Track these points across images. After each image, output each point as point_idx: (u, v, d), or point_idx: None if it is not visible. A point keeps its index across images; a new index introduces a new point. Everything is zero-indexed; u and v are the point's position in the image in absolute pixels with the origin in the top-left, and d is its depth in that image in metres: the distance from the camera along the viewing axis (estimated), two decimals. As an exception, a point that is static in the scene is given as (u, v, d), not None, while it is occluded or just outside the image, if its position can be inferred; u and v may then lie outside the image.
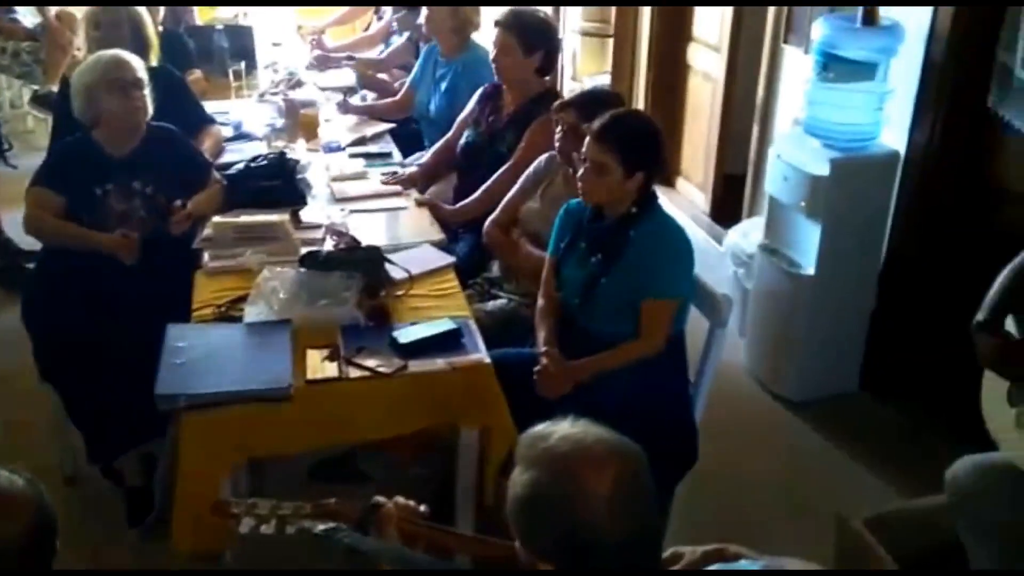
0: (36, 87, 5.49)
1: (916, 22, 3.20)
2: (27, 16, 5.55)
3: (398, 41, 4.73)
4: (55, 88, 4.59)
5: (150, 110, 2.99)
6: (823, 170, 3.24)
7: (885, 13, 3.22)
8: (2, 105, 5.89)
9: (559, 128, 2.84)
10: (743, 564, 1.39)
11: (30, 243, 3.46)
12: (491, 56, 3.40)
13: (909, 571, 2.13)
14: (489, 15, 3.99)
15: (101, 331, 2.70)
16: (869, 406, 3.56)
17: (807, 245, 3.42)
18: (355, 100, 4.30)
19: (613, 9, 5.38)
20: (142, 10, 3.60)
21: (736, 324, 3.85)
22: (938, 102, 3.19)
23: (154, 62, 3.47)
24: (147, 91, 2.97)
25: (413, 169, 3.57)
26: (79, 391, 2.76)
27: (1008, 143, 3.05)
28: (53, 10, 5.41)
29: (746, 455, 3.30)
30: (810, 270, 3.40)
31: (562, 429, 1.31)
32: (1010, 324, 2.14)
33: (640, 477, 1.27)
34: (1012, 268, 2.15)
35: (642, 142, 2.47)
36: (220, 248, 2.84)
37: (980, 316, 2.14)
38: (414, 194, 3.38)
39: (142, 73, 2.98)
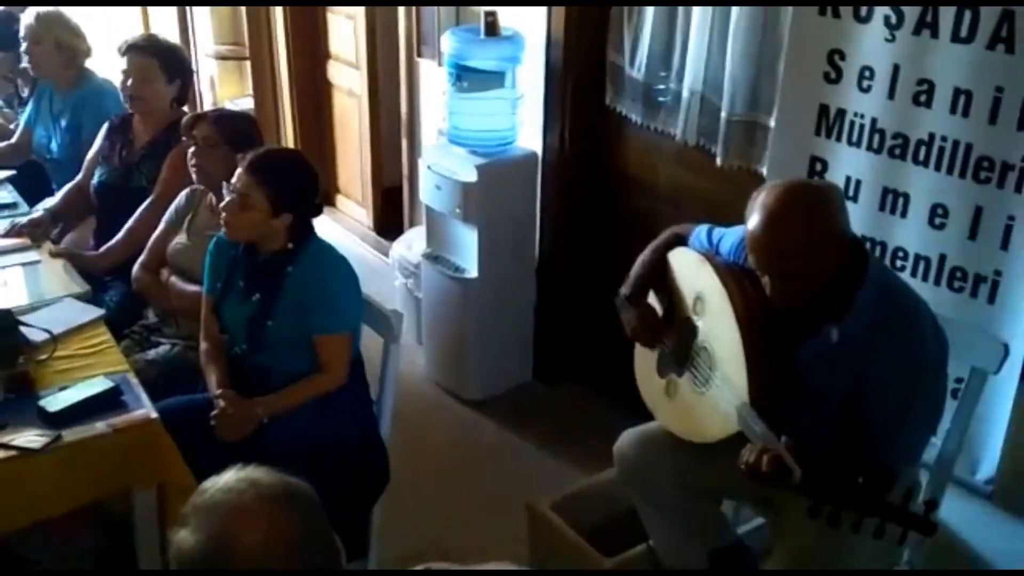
0: None
1: (535, 30, 3.42)
2: None
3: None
4: None
5: None
6: (471, 176, 3.37)
7: (506, 23, 3.41)
8: None
9: (193, 146, 2.72)
10: (442, 579, 1.41)
11: None
12: (127, 83, 3.18)
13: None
14: (100, 41, 3.75)
15: None
16: (544, 393, 3.76)
17: (467, 249, 3.54)
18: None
19: (245, 30, 5.24)
20: None
21: (413, 333, 3.91)
22: (563, 103, 3.43)
23: None
24: None
25: (39, 214, 3.25)
26: None
27: (627, 135, 3.35)
28: None
29: (440, 462, 3.36)
30: (473, 273, 3.53)
31: (222, 480, 1.25)
32: (653, 299, 2.34)
33: (302, 519, 1.24)
34: (652, 248, 2.33)
35: (294, 182, 2.41)
36: None
37: (624, 290, 2.31)
38: (48, 244, 3.08)
39: None
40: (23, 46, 3.57)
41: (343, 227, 4.99)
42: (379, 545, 2.60)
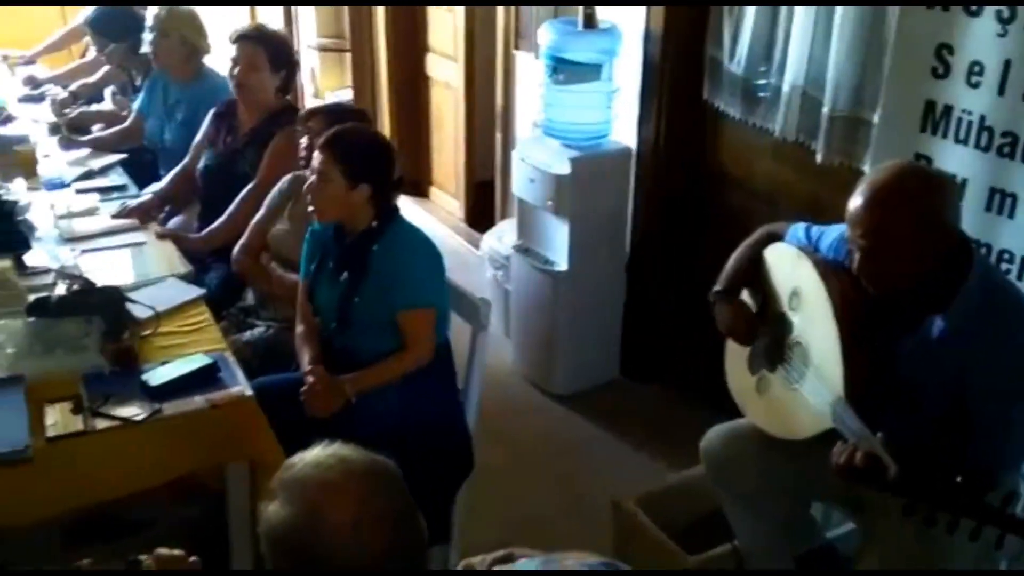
0: None
1: (632, 23, 3.40)
2: None
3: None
4: None
5: None
6: (564, 169, 3.36)
7: (604, 16, 3.39)
8: None
9: (305, 139, 2.79)
10: (522, 562, 1.41)
11: None
12: (234, 71, 3.27)
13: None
14: (220, 39, 3.85)
15: None
16: (631, 390, 3.73)
17: (558, 242, 3.54)
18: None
19: (347, 23, 5.34)
20: None
21: (501, 325, 3.93)
22: (659, 97, 3.40)
23: None
24: None
25: (147, 198, 3.37)
26: None
27: (724, 131, 3.30)
28: None
29: (523, 454, 3.37)
30: (563, 266, 3.53)
31: (310, 455, 1.28)
32: (747, 297, 2.30)
33: (390, 497, 1.25)
34: (746, 245, 2.30)
35: (365, 153, 2.46)
36: (-70, 307, 2.56)
37: (717, 286, 2.28)
38: (154, 226, 3.19)
39: None
40: (149, 35, 3.69)
41: (436, 219, 5.04)
42: (461, 532, 2.62)
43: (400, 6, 5.01)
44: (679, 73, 3.35)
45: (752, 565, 2.28)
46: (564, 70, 3.35)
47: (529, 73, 4.02)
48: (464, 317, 2.61)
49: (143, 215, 3.24)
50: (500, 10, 4.16)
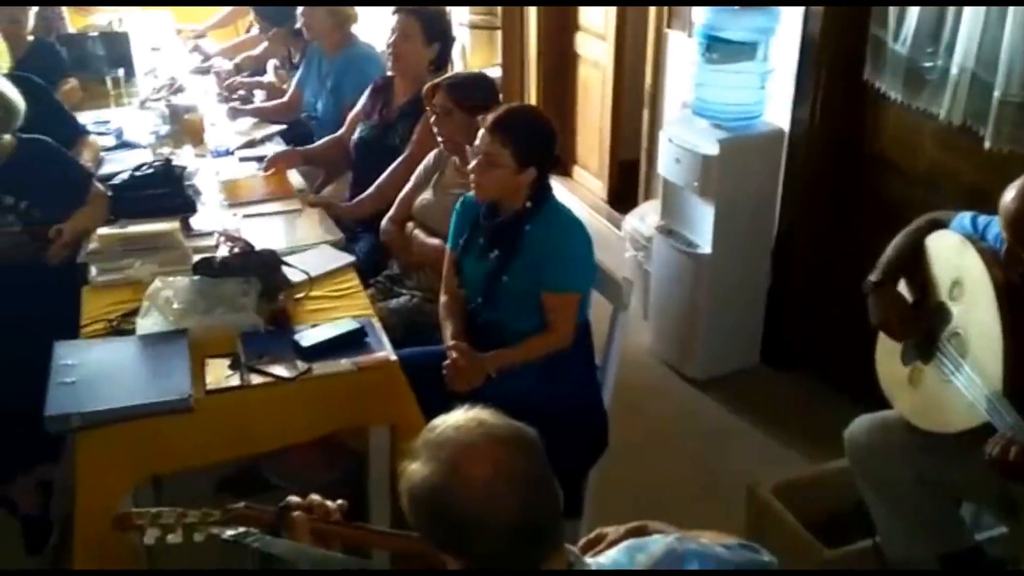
0: None
1: (791, 6, 3.29)
2: None
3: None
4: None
5: None
6: (712, 150, 3.30)
7: (763, -7, 3.31)
8: None
9: (433, 114, 2.83)
10: (656, 537, 1.41)
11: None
12: (390, 41, 3.35)
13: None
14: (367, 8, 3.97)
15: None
16: (771, 378, 3.65)
17: (702, 225, 3.48)
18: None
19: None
20: None
21: (639, 307, 3.91)
22: (817, 78, 3.29)
23: (3, 67, 3.31)
24: None
25: (289, 149, 3.56)
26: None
27: (884, 114, 3.16)
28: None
29: (657, 435, 3.35)
30: (706, 249, 3.47)
31: (452, 418, 1.31)
32: (903, 287, 2.22)
33: (528, 463, 1.27)
34: (907, 233, 2.22)
35: (536, 136, 2.46)
36: (107, 261, 2.74)
37: (873, 277, 2.20)
38: (308, 195, 3.32)
39: None
40: (300, 7, 3.82)
41: (577, 197, 5.04)
42: (592, 509, 2.63)
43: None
44: (839, 53, 3.23)
45: (893, 563, 2.20)
46: (718, 49, 3.28)
47: (680, 52, 3.96)
48: (606, 296, 2.61)
49: (281, 164, 3.41)
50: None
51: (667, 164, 3.55)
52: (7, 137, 2.88)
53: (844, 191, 3.38)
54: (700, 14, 3.33)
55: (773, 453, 3.22)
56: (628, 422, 2.97)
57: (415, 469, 1.28)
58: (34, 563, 2.67)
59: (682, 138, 3.44)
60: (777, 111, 3.43)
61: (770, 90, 3.39)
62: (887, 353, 2.26)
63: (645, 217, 3.97)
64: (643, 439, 3.26)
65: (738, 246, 3.48)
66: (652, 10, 4.15)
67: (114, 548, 2.03)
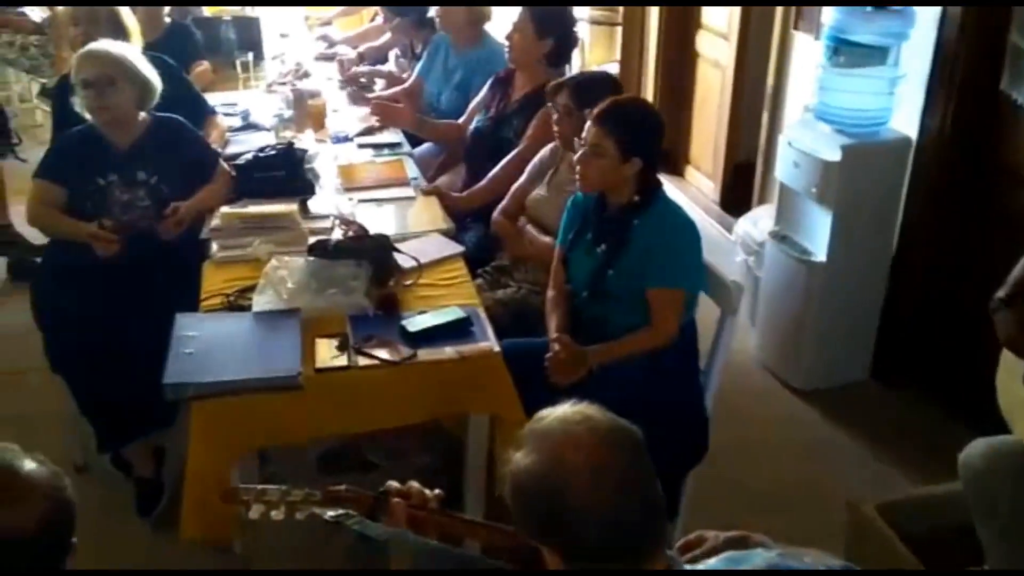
0: (44, 81, 5.48)
1: (927, 6, 3.17)
2: (34, 10, 5.55)
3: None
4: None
5: (127, 104, 2.93)
6: (834, 156, 3.21)
7: (896, -4, 3.20)
8: (11, 99, 5.89)
9: (555, 113, 2.83)
10: (759, 552, 1.38)
11: (38, 237, 3.46)
12: (507, 34, 3.38)
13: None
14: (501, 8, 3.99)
15: (109, 322, 2.71)
16: (881, 394, 3.54)
17: (818, 232, 3.40)
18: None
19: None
20: None
21: (747, 312, 3.84)
22: (950, 86, 3.16)
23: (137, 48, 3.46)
24: (123, 85, 2.90)
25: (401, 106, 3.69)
26: (88, 382, 2.77)
27: (1020, 125, 3.02)
28: None
29: (757, 443, 3.29)
30: (821, 257, 3.38)
31: (558, 411, 1.31)
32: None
33: (631, 460, 1.26)
34: None
35: (640, 127, 2.46)
36: (228, 238, 2.84)
37: (1001, 293, 2.11)
38: (421, 183, 3.37)
39: (113, 69, 2.89)
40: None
41: (688, 198, 4.98)
42: (689, 512, 2.60)
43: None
44: (975, 61, 3.10)
45: (1002, 596, 2.11)
46: (846, 52, 3.18)
47: (805, 54, 3.86)
48: (714, 300, 2.57)
49: (390, 113, 3.64)
50: (782, -12, 4.02)
51: (785, 168, 3.47)
52: (143, 115, 3.02)
53: (972, 204, 3.24)
54: (829, 15, 3.24)
55: (875, 471, 3.13)
56: (729, 427, 2.92)
57: (519, 458, 1.29)
58: (142, 525, 2.79)
59: (802, 142, 3.36)
60: (905, 119, 3.31)
61: (899, 96, 3.27)
62: (1009, 374, 2.16)
63: (758, 221, 3.89)
64: (743, 445, 3.20)
65: (855, 256, 3.38)
66: (778, 11, 4.05)
67: (218, 515, 2.11)
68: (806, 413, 3.47)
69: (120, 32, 3.42)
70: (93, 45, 3.00)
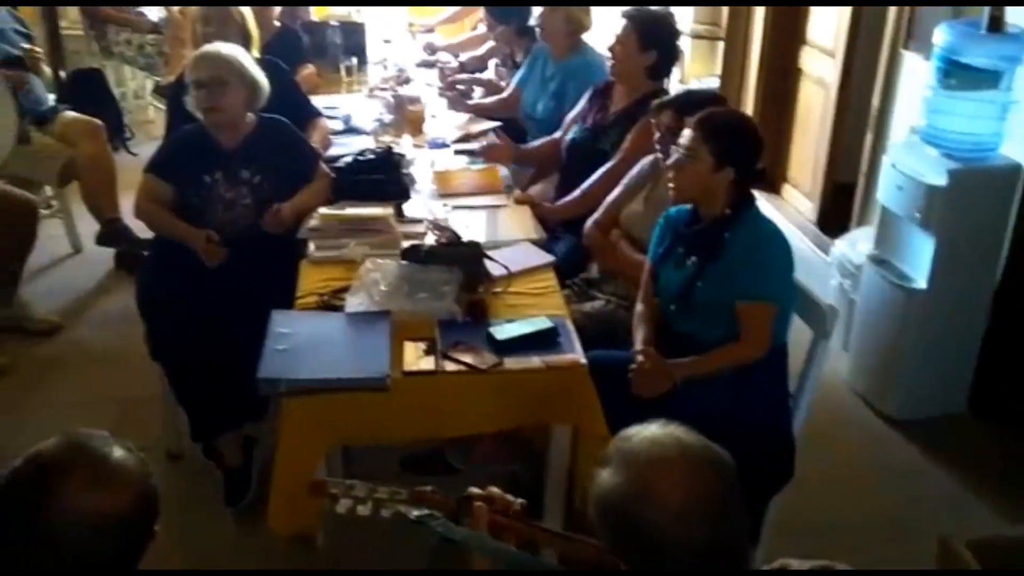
0: (158, 79, 5.69)
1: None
2: (152, 10, 5.77)
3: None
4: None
5: (237, 105, 3.02)
6: (940, 180, 3.12)
7: (1012, 20, 3.09)
8: (126, 95, 6.13)
9: (657, 131, 2.82)
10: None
11: (145, 230, 3.59)
12: (610, 45, 3.38)
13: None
14: (600, 17, 3.99)
15: (208, 316, 2.80)
16: (977, 428, 3.42)
17: (919, 258, 3.30)
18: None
19: (725, 10, 5.30)
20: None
21: (840, 337, 3.75)
22: (1067, 113, 3.05)
23: (255, 54, 3.57)
24: (235, 87, 2.99)
25: (501, 142, 3.71)
26: (185, 372, 2.86)
27: None
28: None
29: (845, 470, 3.21)
30: (921, 284, 3.29)
31: (648, 431, 1.30)
32: None
33: (722, 486, 1.24)
34: None
35: (736, 136, 2.44)
36: (325, 239, 2.91)
37: None
38: (515, 192, 3.39)
39: (226, 71, 2.98)
40: (537, 10, 3.90)
41: (784, 217, 4.87)
42: (771, 539, 2.55)
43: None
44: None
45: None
46: (957, 75, 3.09)
47: (914, 75, 3.75)
48: (807, 322, 2.53)
49: (495, 155, 3.59)
50: (892, 8, 3.92)
51: (887, 191, 3.38)
52: (250, 115, 3.11)
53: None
54: (940, 36, 3.15)
55: (969, 507, 3.02)
56: (816, 453, 2.86)
57: (605, 476, 1.28)
58: (230, 514, 2.87)
59: (907, 165, 3.27)
60: (1016, 145, 3.20)
61: (1011, 122, 3.16)
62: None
63: (856, 244, 3.80)
64: (830, 472, 3.12)
65: (957, 284, 3.27)
66: (888, 29, 3.95)
67: (304, 508, 2.16)
68: (898, 443, 3.37)
69: (246, 37, 3.55)
70: (207, 47, 3.11)
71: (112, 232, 4.37)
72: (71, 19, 6.02)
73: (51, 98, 4.51)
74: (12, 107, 3.80)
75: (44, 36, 5.46)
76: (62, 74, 5.50)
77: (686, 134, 2.44)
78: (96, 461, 1.38)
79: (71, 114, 4.45)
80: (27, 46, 4.20)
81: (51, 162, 4.27)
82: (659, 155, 2.87)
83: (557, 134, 3.64)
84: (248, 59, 3.11)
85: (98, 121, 4.48)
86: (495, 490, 1.63)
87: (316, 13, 5.16)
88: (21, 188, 3.99)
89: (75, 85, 5.25)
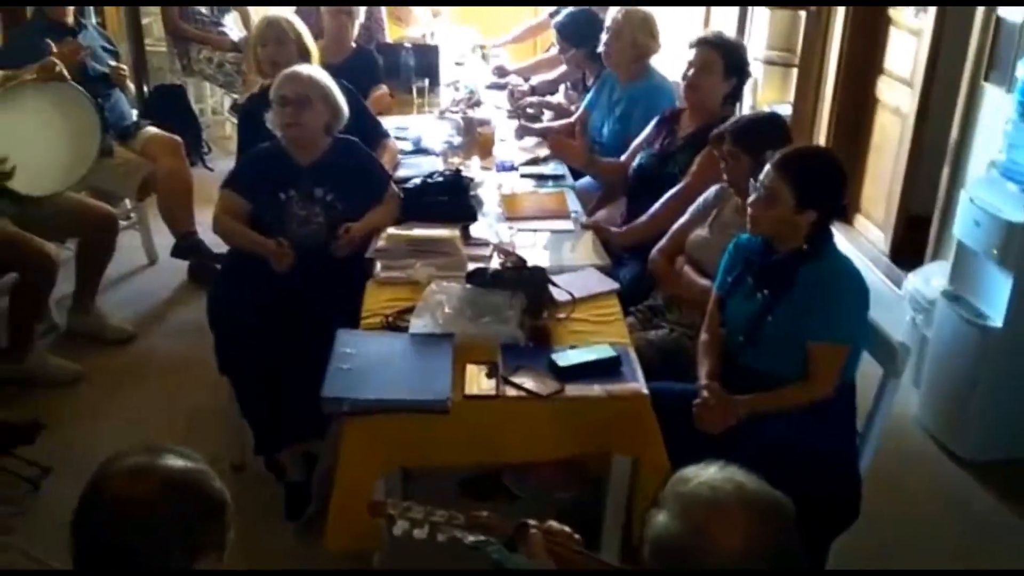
0: (236, 96, 5.83)
1: None
2: (233, 29, 5.92)
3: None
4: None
5: (318, 124, 3.09)
6: (1020, 217, 3.03)
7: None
8: (204, 111, 6.29)
9: (722, 161, 2.80)
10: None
11: (218, 244, 3.67)
12: (687, 73, 3.35)
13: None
14: (667, 39, 3.99)
15: (276, 332, 2.84)
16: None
17: (996, 295, 3.20)
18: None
19: (800, 37, 5.24)
20: (297, 21, 3.76)
21: (911, 373, 3.65)
22: None
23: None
24: (318, 106, 3.06)
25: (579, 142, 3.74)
26: (252, 386, 2.90)
27: None
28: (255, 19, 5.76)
29: (914, 513, 3.12)
30: (998, 322, 3.19)
31: (707, 474, 1.27)
32: None
33: (781, 536, 1.21)
34: None
35: (822, 179, 2.38)
36: (392, 259, 2.93)
37: None
38: (581, 217, 3.39)
39: (311, 90, 3.05)
40: (604, 36, 3.91)
41: (855, 247, 4.79)
42: (833, 578, 2.50)
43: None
44: None
45: None
46: (1040, 109, 3.01)
47: (995, 108, 3.66)
48: (877, 359, 2.47)
49: (565, 149, 3.70)
50: (973, 38, 3.83)
51: (964, 226, 3.29)
52: (326, 136, 3.16)
53: None
54: (1024, 69, 3.08)
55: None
56: (883, 494, 2.79)
57: (662, 520, 1.26)
58: (289, 529, 2.89)
59: (986, 200, 3.18)
60: (1103, 182, 3.09)
61: (1097, 159, 3.06)
62: None
63: (931, 279, 3.70)
64: (898, 515, 3.03)
65: (1035, 324, 3.17)
66: (969, 60, 3.86)
67: (362, 527, 2.16)
68: (971, 486, 3.26)
69: (305, 55, 3.62)
70: (296, 67, 3.18)
71: (187, 245, 4.47)
72: (155, 36, 6.22)
73: (134, 113, 4.65)
74: (97, 122, 3.92)
75: (129, 53, 5.63)
76: (145, 89, 5.67)
77: (767, 172, 2.39)
78: (168, 473, 1.40)
79: (152, 130, 4.57)
80: (113, 64, 4.33)
81: (132, 176, 4.39)
82: (725, 183, 2.84)
83: (623, 156, 3.63)
84: (333, 84, 3.17)
85: (178, 138, 4.60)
86: (553, 523, 1.62)
87: (391, 35, 5.24)
88: (102, 200, 4.11)
89: (157, 101, 5.41)
